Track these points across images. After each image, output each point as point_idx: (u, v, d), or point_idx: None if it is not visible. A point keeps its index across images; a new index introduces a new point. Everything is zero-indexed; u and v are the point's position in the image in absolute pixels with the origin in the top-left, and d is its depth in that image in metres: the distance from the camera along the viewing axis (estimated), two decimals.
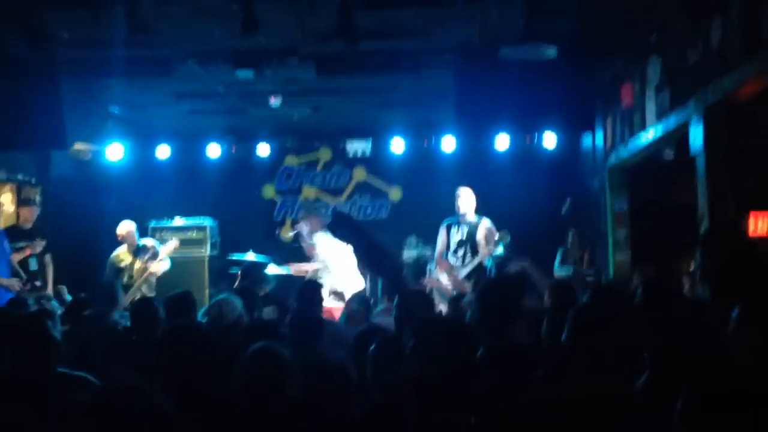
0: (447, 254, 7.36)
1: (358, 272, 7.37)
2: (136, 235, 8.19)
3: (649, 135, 6.27)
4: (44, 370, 3.05)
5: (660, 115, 5.98)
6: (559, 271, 7.93)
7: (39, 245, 7.61)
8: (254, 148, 9.94)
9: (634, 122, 6.72)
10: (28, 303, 5.42)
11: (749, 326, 2.22)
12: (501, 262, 8.83)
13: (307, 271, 7.70)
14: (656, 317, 2.59)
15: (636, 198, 7.58)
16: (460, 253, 7.21)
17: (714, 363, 2.10)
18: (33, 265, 7.63)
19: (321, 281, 6.98)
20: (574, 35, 6.24)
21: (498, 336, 2.96)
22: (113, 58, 6.27)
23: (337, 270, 7.39)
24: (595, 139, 8.21)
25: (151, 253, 8.04)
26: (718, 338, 2.26)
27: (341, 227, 2.92)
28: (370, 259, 2.88)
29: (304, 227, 7.91)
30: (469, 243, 7.19)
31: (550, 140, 9.22)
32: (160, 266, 8.02)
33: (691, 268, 6.56)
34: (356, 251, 2.88)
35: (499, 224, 9.07)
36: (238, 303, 4.39)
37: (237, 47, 6.26)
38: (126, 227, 8.11)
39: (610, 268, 7.55)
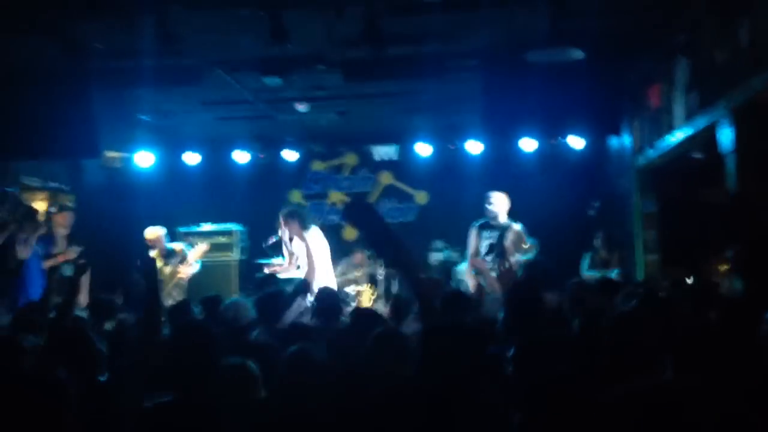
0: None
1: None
2: (165, 240, 8.29)
3: (678, 136, 6.23)
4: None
5: (688, 116, 5.94)
6: (588, 273, 7.88)
7: (72, 252, 7.74)
8: (281, 154, 10.04)
9: (663, 123, 6.67)
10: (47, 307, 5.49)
11: None
12: (530, 265, 8.85)
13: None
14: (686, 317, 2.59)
15: (665, 199, 7.52)
16: (490, 257, 7.13)
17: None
18: (67, 271, 7.76)
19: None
20: (601, 37, 6.23)
21: (525, 334, 3.00)
22: (143, 68, 6.37)
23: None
24: (623, 141, 8.17)
25: (180, 257, 8.14)
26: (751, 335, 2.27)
27: (355, 214, 2.92)
28: (383, 248, 2.87)
29: (283, 231, 7.78)
30: (499, 247, 7.11)
31: (577, 143, 9.19)
32: (190, 270, 8.12)
33: (721, 268, 6.53)
34: (368, 239, 2.88)
35: (527, 228, 9.08)
36: (250, 306, 4.53)
37: (264, 55, 6.34)
38: (155, 232, 8.21)
39: (640, 270, 7.50)
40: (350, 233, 9.98)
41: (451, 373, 2.48)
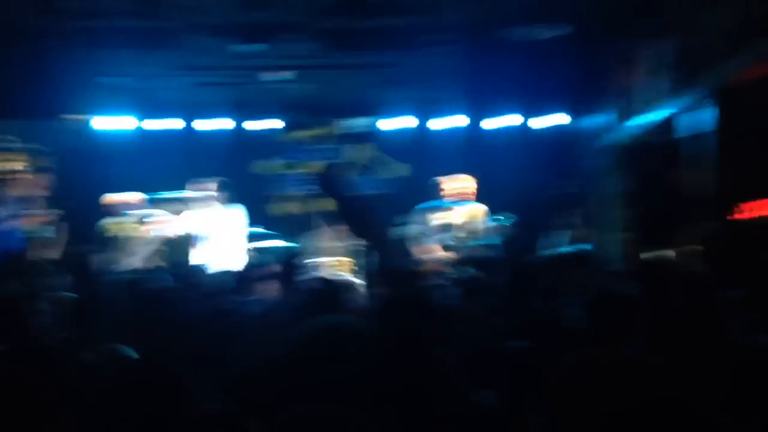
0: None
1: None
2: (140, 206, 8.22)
3: (656, 115, 6.26)
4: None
5: (668, 96, 5.96)
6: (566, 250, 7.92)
7: (50, 213, 7.68)
8: (261, 123, 9.94)
9: (641, 102, 6.69)
10: None
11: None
12: (510, 240, 8.89)
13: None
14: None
15: (639, 178, 7.56)
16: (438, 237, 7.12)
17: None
18: (45, 232, 7.70)
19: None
20: (582, 15, 6.22)
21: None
22: (121, 29, 6.27)
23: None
24: (598, 119, 8.19)
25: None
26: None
27: (329, 184, 2.93)
28: (355, 218, 2.88)
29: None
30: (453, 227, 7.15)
31: (554, 120, 9.19)
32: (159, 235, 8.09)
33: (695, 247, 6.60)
34: (341, 208, 2.88)
35: (502, 205, 9.11)
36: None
37: (245, 21, 6.25)
38: (125, 197, 8.16)
39: (616, 249, 7.56)
40: (328, 203, 9.96)
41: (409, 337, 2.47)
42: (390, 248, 3.02)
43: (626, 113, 7.02)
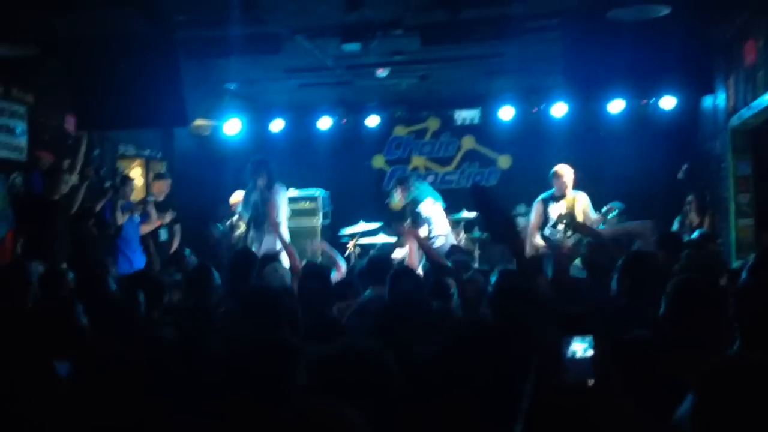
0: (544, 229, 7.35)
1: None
2: None
3: None
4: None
5: None
6: None
7: (168, 216, 8.12)
8: (363, 120, 10.11)
9: (758, 81, 6.32)
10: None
11: None
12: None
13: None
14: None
15: (760, 161, 7.15)
16: (560, 227, 7.11)
17: None
18: (163, 235, 8.17)
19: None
20: None
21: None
22: (227, 37, 6.54)
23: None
24: (716, 100, 7.79)
25: None
26: None
27: (478, 199, 3.01)
28: (502, 233, 2.96)
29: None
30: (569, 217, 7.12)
31: (667, 103, 8.84)
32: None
33: None
34: (488, 222, 3.01)
35: (614, 191, 8.84)
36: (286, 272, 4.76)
37: (343, 21, 6.38)
38: (238, 196, 8.47)
39: (732, 235, 7.20)
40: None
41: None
42: (521, 247, 3.13)
43: (748, 93, 6.65)
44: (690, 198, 7.90)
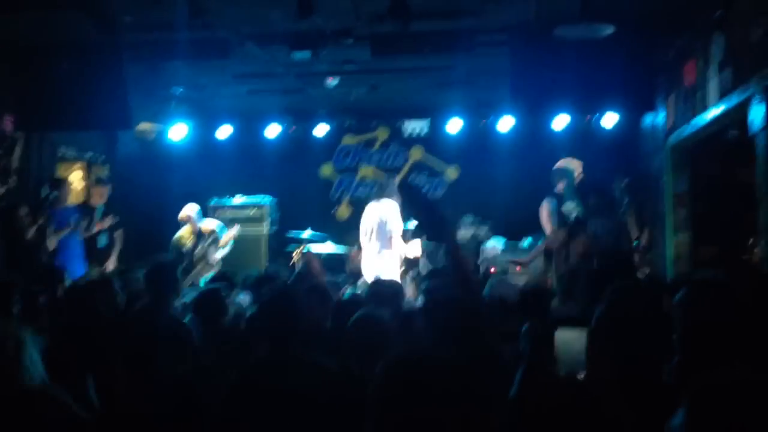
0: None
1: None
2: (198, 218, 8.41)
3: (711, 114, 6.11)
4: None
5: (722, 94, 5.81)
6: None
7: (108, 221, 7.92)
8: (312, 128, 10.08)
9: (697, 101, 6.54)
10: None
11: None
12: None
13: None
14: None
15: (697, 178, 7.38)
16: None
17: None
18: (102, 241, 7.97)
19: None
20: (635, 12, 6.12)
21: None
22: (175, 41, 6.45)
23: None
24: (656, 118, 8.03)
25: (212, 239, 8.24)
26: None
27: (410, 199, 2.97)
28: (436, 231, 2.92)
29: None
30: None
31: (609, 120, 9.07)
32: (219, 254, 8.25)
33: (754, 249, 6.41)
34: (422, 223, 2.93)
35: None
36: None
37: (294, 29, 6.35)
38: (187, 211, 8.34)
39: (669, 250, 7.41)
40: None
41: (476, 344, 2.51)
42: (461, 252, 3.07)
43: (687, 112, 6.87)
44: (629, 213, 8.10)
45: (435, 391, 1.54)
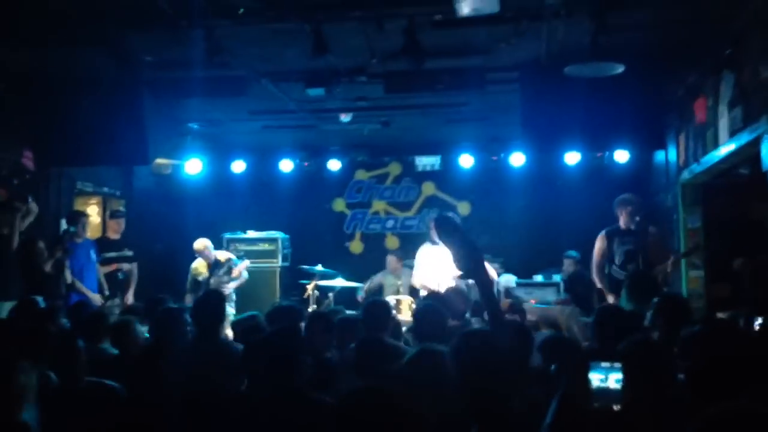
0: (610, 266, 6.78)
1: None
2: (211, 250, 8.48)
3: (722, 151, 6.14)
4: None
5: (733, 132, 5.85)
6: None
7: (126, 264, 8.02)
8: (325, 163, 10.19)
9: (707, 138, 6.58)
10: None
11: None
12: (573, 279, 8.78)
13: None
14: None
15: (710, 215, 7.40)
16: (630, 266, 6.55)
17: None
18: (120, 275, 8.06)
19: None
20: (645, 50, 6.20)
21: None
22: (192, 78, 6.58)
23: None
24: (668, 155, 8.07)
25: (226, 268, 8.33)
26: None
27: (445, 230, 2.98)
28: (470, 264, 2.92)
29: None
30: (641, 254, 6.55)
31: (621, 156, 9.12)
32: (233, 284, 8.33)
33: None
34: (457, 255, 2.92)
35: (569, 241, 9.03)
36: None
37: (308, 67, 6.47)
38: (201, 243, 8.42)
39: (684, 286, 7.39)
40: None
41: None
42: (492, 290, 3.08)
43: (698, 149, 6.90)
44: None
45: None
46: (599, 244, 6.86)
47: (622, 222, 6.80)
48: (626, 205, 6.76)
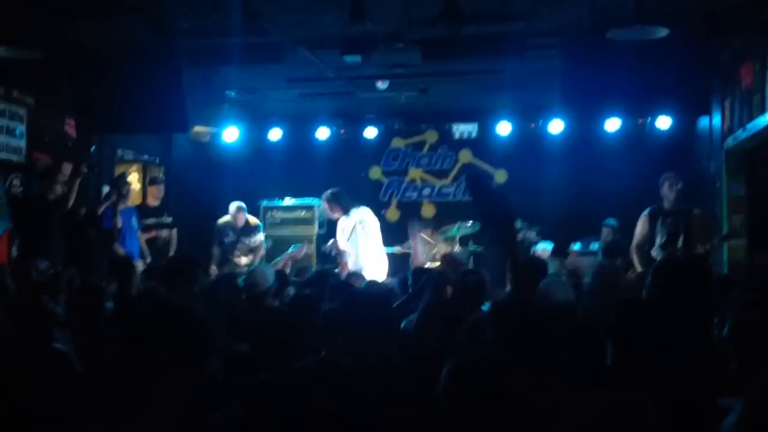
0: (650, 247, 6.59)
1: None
2: (244, 213, 8.54)
3: None
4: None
5: None
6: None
7: (165, 230, 8.16)
8: (362, 131, 10.17)
9: (754, 104, 6.40)
10: None
11: None
12: (608, 248, 8.69)
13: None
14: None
15: (754, 183, 7.23)
16: (673, 246, 6.38)
17: None
18: (160, 241, 8.20)
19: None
20: (689, 13, 6.03)
21: None
22: (230, 46, 6.60)
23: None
24: (712, 121, 7.88)
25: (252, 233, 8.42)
26: None
27: (475, 186, 2.96)
28: (495, 223, 2.91)
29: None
30: (685, 235, 6.38)
31: (663, 122, 8.94)
32: (244, 261, 8.38)
33: None
34: (482, 212, 2.92)
35: (609, 208, 8.91)
36: (270, 274, 4.84)
37: (345, 33, 6.44)
38: (233, 206, 8.51)
39: (725, 255, 7.27)
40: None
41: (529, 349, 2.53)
42: (518, 254, 3.07)
43: (744, 115, 6.73)
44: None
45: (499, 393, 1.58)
46: (641, 226, 6.64)
47: (666, 201, 6.58)
48: (673, 182, 6.54)
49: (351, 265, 7.39)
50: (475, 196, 2.95)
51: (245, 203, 8.69)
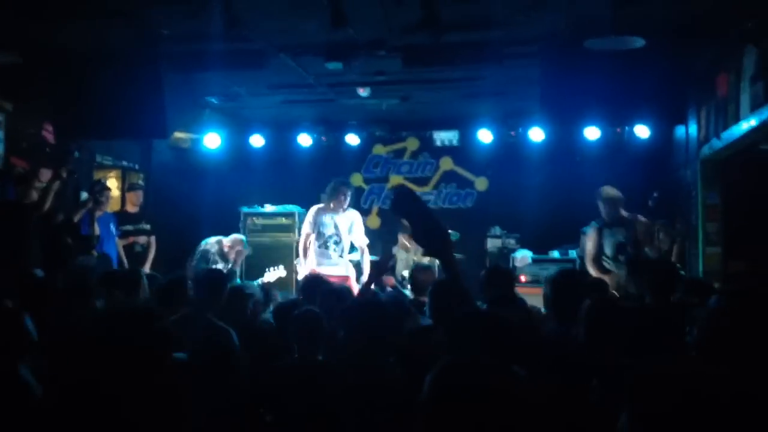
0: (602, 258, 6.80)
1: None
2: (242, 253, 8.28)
3: (744, 126, 6.08)
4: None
5: (755, 107, 5.79)
6: None
7: (143, 237, 8.10)
8: (343, 138, 10.20)
9: (729, 113, 6.51)
10: None
11: None
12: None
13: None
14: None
15: (729, 191, 7.34)
16: (622, 257, 6.57)
17: None
18: (138, 247, 8.16)
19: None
20: (666, 23, 6.11)
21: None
22: (211, 52, 6.58)
23: None
24: (688, 130, 7.99)
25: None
26: None
27: (402, 204, 2.99)
28: (427, 238, 2.93)
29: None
30: (631, 245, 6.64)
31: (642, 131, 9.04)
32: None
33: None
34: (415, 228, 2.94)
35: (588, 217, 8.98)
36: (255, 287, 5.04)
37: (327, 40, 6.46)
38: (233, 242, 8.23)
39: (700, 263, 7.36)
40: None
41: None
42: (456, 265, 3.09)
43: (719, 125, 6.83)
44: (657, 226, 8.04)
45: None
46: (590, 236, 6.90)
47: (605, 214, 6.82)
48: (599, 198, 6.85)
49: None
50: (405, 214, 2.96)
51: (226, 209, 8.67)
